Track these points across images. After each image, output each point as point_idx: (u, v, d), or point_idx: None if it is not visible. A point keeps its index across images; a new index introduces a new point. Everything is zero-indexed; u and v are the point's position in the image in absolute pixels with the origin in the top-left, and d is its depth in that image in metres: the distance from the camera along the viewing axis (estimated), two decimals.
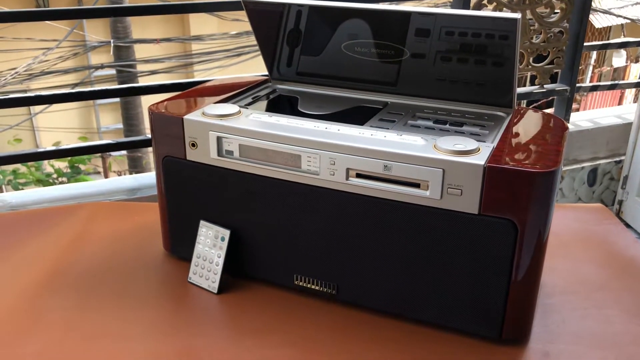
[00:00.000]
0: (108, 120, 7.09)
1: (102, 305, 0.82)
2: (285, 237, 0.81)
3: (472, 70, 0.83)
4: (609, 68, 7.29)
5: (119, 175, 6.38)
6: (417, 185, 0.70)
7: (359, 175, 0.73)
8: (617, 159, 1.87)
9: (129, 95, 1.37)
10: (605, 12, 6.39)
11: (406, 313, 0.78)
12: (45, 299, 0.83)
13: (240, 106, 0.87)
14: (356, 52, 0.90)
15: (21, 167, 4.17)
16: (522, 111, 0.85)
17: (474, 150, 0.68)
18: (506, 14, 0.74)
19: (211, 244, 0.85)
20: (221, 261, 0.84)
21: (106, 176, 6.12)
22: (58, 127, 6.47)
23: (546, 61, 1.66)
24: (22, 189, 3.90)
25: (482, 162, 0.66)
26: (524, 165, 0.66)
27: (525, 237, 0.68)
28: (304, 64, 0.95)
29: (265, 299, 0.84)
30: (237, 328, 0.79)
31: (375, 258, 0.76)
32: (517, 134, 0.77)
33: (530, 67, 1.64)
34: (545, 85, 1.69)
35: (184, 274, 0.88)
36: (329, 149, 0.73)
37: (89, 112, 6.98)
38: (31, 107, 6.48)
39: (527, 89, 1.72)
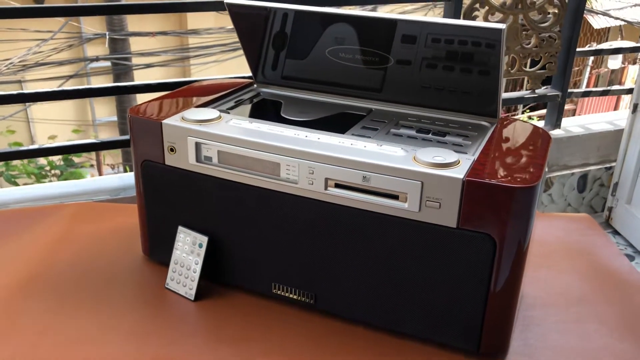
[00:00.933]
0: (103, 112, 7.06)
1: (78, 310, 0.81)
2: (263, 245, 0.80)
3: (457, 79, 0.82)
4: (606, 69, 7.29)
5: (112, 168, 6.36)
6: (395, 197, 0.69)
7: (337, 185, 0.72)
8: (608, 165, 1.87)
9: (114, 94, 1.36)
10: (603, 14, 6.39)
11: (384, 325, 0.78)
12: (21, 301, 0.82)
13: (222, 110, 0.85)
14: (340, 58, 0.89)
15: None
16: (506, 121, 0.84)
17: (454, 163, 0.67)
18: (491, 25, 0.73)
19: (189, 250, 0.84)
20: (198, 268, 0.83)
21: (99, 169, 6.10)
22: (53, 119, 6.44)
23: (538, 66, 1.65)
24: (15, 181, 3.88)
25: (461, 176, 0.65)
26: (503, 180, 0.65)
27: (504, 251, 0.67)
28: (288, 68, 0.94)
29: (243, 306, 0.83)
30: (213, 336, 0.78)
31: (353, 268, 0.75)
32: (499, 146, 0.76)
33: (521, 71, 1.63)
34: (536, 90, 1.69)
35: (162, 279, 0.87)
36: (307, 158, 0.72)
37: (84, 103, 6.95)
38: None
39: (519, 93, 1.71)
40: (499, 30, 0.73)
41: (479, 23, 0.75)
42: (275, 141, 0.74)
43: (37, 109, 6.52)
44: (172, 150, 0.80)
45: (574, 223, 1.08)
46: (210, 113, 0.81)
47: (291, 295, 0.81)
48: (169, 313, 0.82)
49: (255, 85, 0.99)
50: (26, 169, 4.15)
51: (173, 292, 0.85)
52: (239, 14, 0.88)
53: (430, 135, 0.80)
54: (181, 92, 0.95)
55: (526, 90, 1.70)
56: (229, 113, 0.86)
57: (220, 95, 0.93)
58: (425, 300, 0.73)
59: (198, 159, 0.79)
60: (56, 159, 4.48)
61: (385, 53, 0.84)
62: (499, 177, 0.66)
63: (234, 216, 0.81)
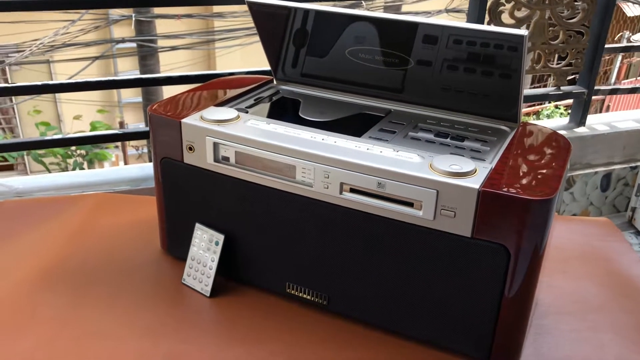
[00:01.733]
0: (129, 93, 7.13)
1: (95, 304, 0.83)
2: (278, 245, 0.81)
3: (477, 82, 0.82)
4: (638, 59, 7.12)
5: (137, 149, 6.43)
6: (410, 205, 0.69)
7: (352, 190, 0.72)
8: (633, 164, 1.83)
9: (137, 86, 1.37)
10: (636, 2, 6.22)
11: (396, 328, 0.78)
12: (41, 293, 0.84)
13: (241, 109, 0.86)
14: (360, 58, 0.89)
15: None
16: (527, 127, 0.83)
17: (470, 172, 0.67)
18: (513, 31, 0.72)
19: (205, 248, 0.85)
20: (214, 265, 0.84)
21: (124, 150, 6.17)
22: (79, 99, 6.52)
23: (564, 62, 1.62)
24: (41, 159, 3.94)
25: (477, 186, 0.65)
26: (519, 192, 0.64)
27: (518, 263, 0.67)
28: (308, 66, 0.94)
29: (257, 304, 0.84)
30: (226, 334, 0.79)
31: (366, 272, 0.76)
32: (518, 154, 0.75)
33: (547, 68, 1.60)
34: (562, 87, 1.66)
35: (179, 275, 0.88)
36: (323, 162, 0.72)
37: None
38: (53, 78, 6.54)
39: (543, 90, 1.68)
40: (521, 37, 0.72)
41: (500, 29, 0.74)
42: (292, 144, 0.74)
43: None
44: (190, 149, 0.81)
45: (593, 227, 1.06)
46: (228, 113, 0.82)
47: (305, 296, 0.82)
48: (184, 309, 0.83)
49: (275, 82, 1.00)
50: (52, 149, 4.21)
51: (189, 288, 0.86)
52: (259, 12, 0.88)
53: (448, 140, 0.79)
54: (201, 89, 0.96)
55: (551, 86, 1.67)
56: (247, 112, 0.86)
57: (240, 92, 0.93)
58: (437, 307, 0.73)
59: (216, 159, 0.79)
60: None
61: (406, 55, 0.83)
62: (516, 188, 0.65)
63: (250, 215, 0.81)
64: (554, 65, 1.61)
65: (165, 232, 0.92)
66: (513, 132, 0.81)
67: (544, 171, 0.70)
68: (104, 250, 0.94)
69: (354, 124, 0.84)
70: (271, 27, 0.90)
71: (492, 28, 0.74)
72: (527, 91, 1.70)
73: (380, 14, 0.80)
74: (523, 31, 0.71)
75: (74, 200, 1.09)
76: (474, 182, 0.66)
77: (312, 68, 0.94)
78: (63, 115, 6.70)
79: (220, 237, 0.83)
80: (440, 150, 0.75)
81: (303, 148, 0.73)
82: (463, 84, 0.83)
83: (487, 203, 0.65)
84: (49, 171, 4.10)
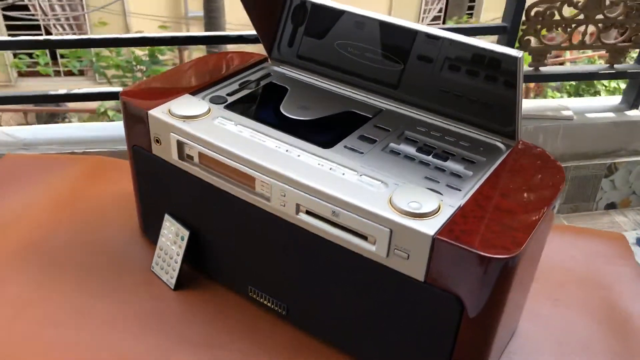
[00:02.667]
0: (196, 6, 7.07)
1: (61, 287, 0.83)
2: (240, 249, 0.78)
3: (476, 89, 0.74)
4: None
5: None
6: (364, 238, 0.64)
7: (309, 213, 0.67)
8: None
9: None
10: None
11: (349, 350, 0.75)
12: (9, 270, 0.85)
13: (220, 97, 0.81)
14: (353, 54, 0.82)
15: (104, 50, 4.24)
16: (523, 149, 0.75)
17: (430, 214, 0.60)
18: (507, 51, 0.63)
19: (172, 240, 0.83)
20: (179, 259, 0.82)
21: None
22: (145, 13, 6.53)
23: (621, 38, 1.45)
24: (103, 72, 3.97)
25: (432, 232, 0.59)
26: (476, 246, 0.57)
27: (472, 317, 0.61)
28: (305, 47, 0.87)
29: (221, 302, 0.82)
30: (185, 334, 0.78)
31: (323, 291, 0.72)
32: (499, 186, 0.67)
33: (600, 44, 1.44)
34: (615, 65, 1.50)
35: (151, 260, 0.87)
36: (280, 180, 0.67)
37: None
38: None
39: (594, 67, 1.53)
40: (515, 59, 0.63)
41: (495, 47, 0.65)
42: (252, 154, 0.69)
43: (132, 1, 6.64)
44: (157, 141, 0.78)
45: (603, 245, 0.97)
46: (198, 106, 0.77)
47: (265, 302, 0.79)
48: (147, 299, 0.82)
49: (269, 62, 0.93)
50: (114, 61, 4.26)
51: (157, 276, 0.86)
52: None
53: (430, 158, 0.72)
54: (188, 68, 0.91)
55: (604, 63, 1.51)
56: (226, 101, 0.81)
57: (227, 74, 0.88)
58: (390, 339, 0.69)
59: (180, 156, 0.76)
60: (142, 53, 4.56)
61: (400, 59, 0.77)
62: (475, 239, 0.58)
63: (214, 216, 0.78)
64: (609, 41, 1.45)
65: (141, 216, 0.90)
66: (506, 153, 0.73)
67: (519, 217, 0.63)
68: (84, 225, 0.94)
69: (335, 127, 0.78)
70: (265, 4, 0.83)
71: (487, 45, 0.65)
72: (575, 67, 1.55)
73: (380, 16, 0.71)
74: (517, 52, 0.62)
75: (71, 161, 1.09)
76: (430, 227, 0.59)
77: (308, 50, 0.88)
78: (131, 29, 6.75)
79: (186, 233, 0.81)
80: (415, 172, 0.69)
81: (262, 161, 0.68)
82: (462, 89, 0.75)
83: (440, 252, 0.59)
84: (110, 83, 4.14)
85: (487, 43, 0.65)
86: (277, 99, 0.84)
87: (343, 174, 0.67)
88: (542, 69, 1.57)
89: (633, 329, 0.83)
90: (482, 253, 0.57)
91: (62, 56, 5.58)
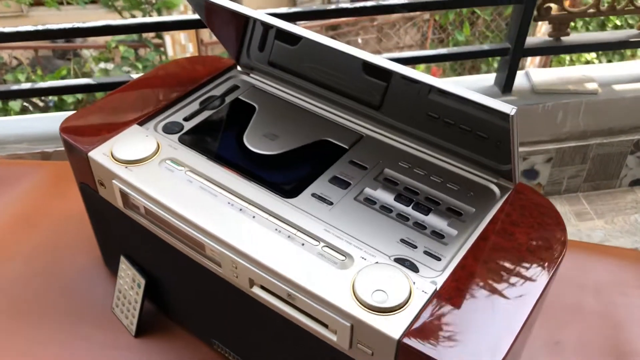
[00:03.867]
0: None
1: (10, 328, 0.77)
2: (199, 304, 0.70)
3: (470, 117, 0.63)
4: None
5: None
6: (325, 325, 0.55)
7: (264, 288, 0.58)
8: None
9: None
10: None
11: None
12: None
13: (176, 123, 0.72)
14: (323, 72, 0.70)
15: None
16: (522, 195, 0.64)
17: (397, 307, 0.51)
18: (499, 107, 0.51)
19: (129, 286, 0.75)
20: (138, 306, 0.75)
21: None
22: None
23: None
24: (112, 4, 3.79)
25: (397, 336, 0.49)
26: (449, 355, 0.48)
27: None
28: (276, 54, 0.76)
29: (186, 352, 0.75)
30: None
31: None
32: (484, 259, 0.57)
33: (632, 7, 1.27)
34: None
35: (112, 297, 0.80)
36: (231, 252, 0.58)
37: None
38: None
39: (622, 33, 1.36)
40: (507, 116, 0.51)
41: (487, 101, 0.53)
42: (200, 216, 0.60)
43: None
44: (102, 184, 0.68)
45: (616, 269, 0.87)
46: (145, 145, 0.67)
47: (230, 358, 0.72)
48: (106, 348, 0.76)
49: (238, 68, 0.82)
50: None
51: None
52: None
53: (410, 210, 0.62)
54: (140, 84, 0.80)
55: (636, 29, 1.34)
56: (182, 128, 0.71)
57: (187, 90, 0.77)
58: None
59: (126, 205, 0.67)
60: None
61: (385, 77, 0.65)
62: (448, 344, 0.49)
63: (169, 267, 0.70)
64: None
65: (100, 249, 0.83)
66: (500, 202, 0.63)
67: (503, 310, 0.53)
68: (43, 251, 0.87)
69: (304, 164, 0.68)
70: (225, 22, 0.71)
71: (478, 99, 0.53)
72: (601, 35, 1.39)
73: (349, 49, 0.59)
74: (510, 109, 0.51)
75: (36, 168, 1.01)
76: (396, 327, 0.50)
77: (280, 58, 0.76)
78: None
79: (142, 281, 0.73)
80: (389, 233, 0.59)
81: (211, 227, 0.59)
82: (452, 115, 0.64)
83: (407, 357, 0.50)
84: (122, 16, 3.96)
85: (475, 96, 0.53)
86: (242, 123, 0.73)
87: (303, 244, 0.57)
88: (564, 38, 1.40)
89: None
90: None
91: None
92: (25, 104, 3.19)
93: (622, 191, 1.61)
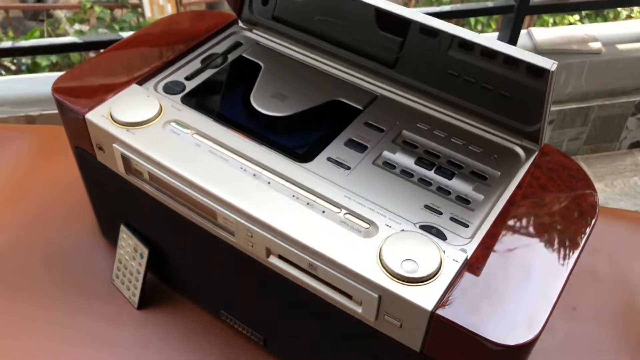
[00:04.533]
0: None
1: (2, 302, 0.73)
2: (208, 276, 0.67)
3: (493, 73, 0.59)
4: None
5: None
6: (349, 296, 0.52)
7: (282, 258, 0.55)
8: None
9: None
10: None
11: None
12: None
13: (177, 82, 0.67)
14: (336, 25, 0.66)
15: None
16: (547, 160, 0.61)
17: (428, 277, 0.48)
18: (540, 61, 0.47)
19: (131, 256, 0.71)
20: (141, 277, 0.71)
21: None
22: None
23: None
24: None
25: (430, 307, 0.47)
26: (486, 327, 0.46)
27: None
28: (282, 7, 0.71)
29: (191, 325, 0.72)
30: None
31: (304, 333, 0.62)
32: (514, 226, 0.54)
33: None
34: None
35: (112, 267, 0.76)
36: (246, 219, 0.54)
37: None
38: None
39: None
40: (546, 72, 0.48)
41: (525, 56, 0.49)
42: (211, 183, 0.55)
43: None
44: (100, 149, 0.64)
45: (630, 233, 0.85)
46: (147, 106, 0.62)
47: (240, 329, 0.69)
48: (106, 321, 0.72)
49: (239, 24, 0.77)
50: None
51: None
52: None
53: (432, 173, 0.59)
54: (135, 41, 0.74)
55: None
56: (184, 89, 0.66)
57: (186, 48, 0.72)
58: None
59: (127, 171, 0.62)
60: None
61: (402, 30, 0.61)
62: (483, 317, 0.46)
63: (173, 237, 0.66)
64: None
65: (97, 219, 0.78)
66: (527, 165, 0.59)
67: (537, 278, 0.50)
68: (35, 220, 0.82)
69: (316, 126, 0.64)
70: None
71: (517, 53, 0.49)
72: None
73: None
74: (550, 64, 0.47)
75: (22, 133, 0.95)
76: (428, 298, 0.47)
77: (286, 11, 0.71)
78: None
79: (145, 251, 0.69)
80: (412, 199, 0.56)
81: (224, 194, 0.55)
82: (474, 72, 0.61)
83: (440, 328, 0.47)
84: None
85: (515, 50, 0.49)
86: (248, 83, 0.69)
87: (323, 211, 0.53)
88: None
89: None
90: (492, 339, 0.45)
91: None
92: None
93: (622, 154, 1.60)
